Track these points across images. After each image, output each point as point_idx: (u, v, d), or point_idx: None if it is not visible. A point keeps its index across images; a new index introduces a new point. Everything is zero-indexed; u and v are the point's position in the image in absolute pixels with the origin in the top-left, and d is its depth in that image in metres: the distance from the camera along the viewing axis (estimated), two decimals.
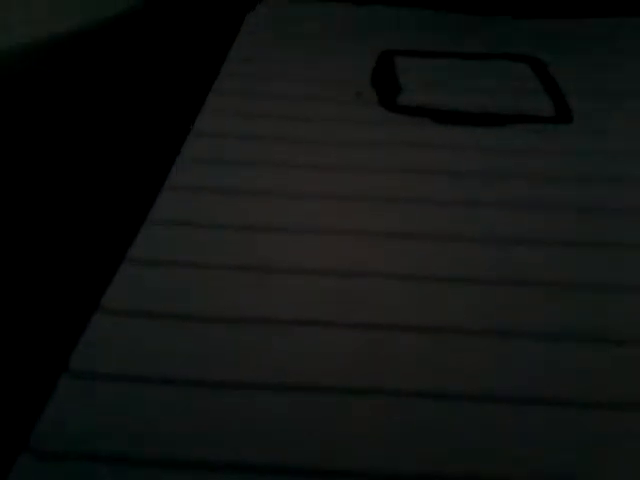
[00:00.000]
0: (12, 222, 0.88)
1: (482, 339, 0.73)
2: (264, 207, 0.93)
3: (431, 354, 0.71)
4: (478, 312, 0.77)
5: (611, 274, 0.83)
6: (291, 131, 1.09)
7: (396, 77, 1.25)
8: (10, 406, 0.65)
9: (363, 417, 0.65)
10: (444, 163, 1.02)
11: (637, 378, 0.69)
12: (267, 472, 0.60)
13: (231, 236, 0.87)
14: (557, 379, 0.69)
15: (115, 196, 0.93)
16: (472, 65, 1.32)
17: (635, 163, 1.04)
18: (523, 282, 0.81)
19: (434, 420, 0.64)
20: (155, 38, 1.20)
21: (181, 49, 1.27)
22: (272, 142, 1.06)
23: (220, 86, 1.20)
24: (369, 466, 0.60)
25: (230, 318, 0.75)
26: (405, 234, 0.88)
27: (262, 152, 1.04)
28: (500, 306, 0.77)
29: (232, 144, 1.06)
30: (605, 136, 1.10)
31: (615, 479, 0.60)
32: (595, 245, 0.87)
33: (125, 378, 0.68)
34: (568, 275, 0.82)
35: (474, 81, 1.26)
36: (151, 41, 1.17)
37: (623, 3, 1.47)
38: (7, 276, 0.79)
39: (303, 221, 0.90)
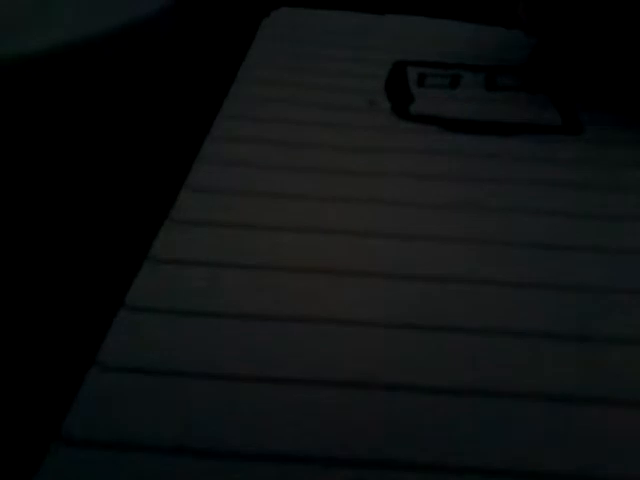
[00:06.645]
0: (35, 221, 0.90)
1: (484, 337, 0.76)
2: (282, 208, 0.95)
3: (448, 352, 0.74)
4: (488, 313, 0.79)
5: (611, 276, 0.86)
6: (306, 136, 1.11)
7: (408, 86, 1.27)
8: (43, 399, 0.67)
9: (380, 411, 0.68)
10: (453, 169, 1.05)
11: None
12: (289, 461, 0.62)
13: (251, 236, 0.89)
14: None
15: (137, 196, 0.95)
16: (484, 76, 1.34)
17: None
18: (525, 284, 0.84)
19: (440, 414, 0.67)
20: (185, 39, 1.22)
21: (205, 51, 1.28)
22: (287, 146, 1.08)
23: (235, 92, 1.23)
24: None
25: (251, 315, 0.77)
26: (416, 236, 0.91)
27: (278, 155, 1.06)
28: (506, 306, 0.80)
29: (249, 147, 1.08)
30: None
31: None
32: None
33: (151, 371, 0.71)
34: (576, 278, 0.85)
35: (485, 91, 1.28)
36: (181, 41, 1.19)
37: None
38: (35, 275, 0.81)
39: (321, 222, 0.93)
